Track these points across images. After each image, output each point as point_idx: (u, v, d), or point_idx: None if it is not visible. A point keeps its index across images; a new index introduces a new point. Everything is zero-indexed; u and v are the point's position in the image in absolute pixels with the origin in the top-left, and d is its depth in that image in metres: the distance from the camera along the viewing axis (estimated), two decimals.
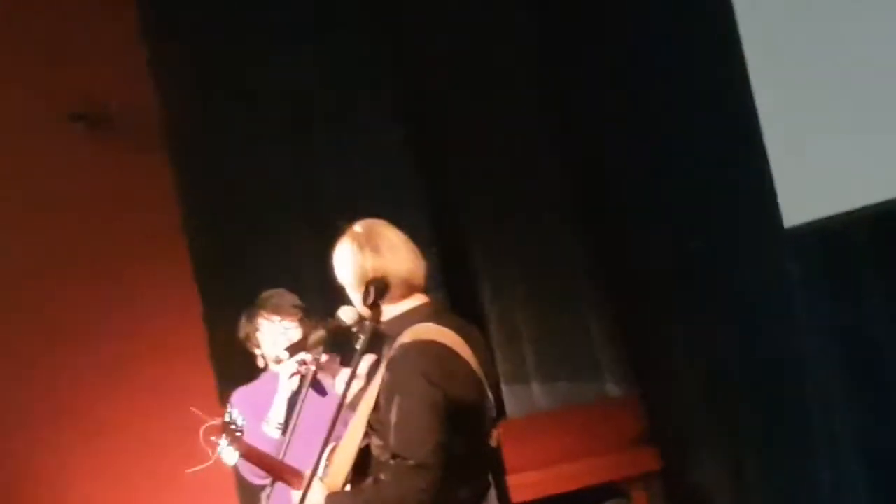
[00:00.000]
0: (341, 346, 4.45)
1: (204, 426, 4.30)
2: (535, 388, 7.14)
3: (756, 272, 6.67)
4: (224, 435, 4.27)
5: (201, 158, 7.17)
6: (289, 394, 4.90)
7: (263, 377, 5.20)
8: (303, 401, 4.49)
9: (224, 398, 6.95)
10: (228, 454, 4.25)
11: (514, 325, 7.17)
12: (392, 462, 3.69)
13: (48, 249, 7.10)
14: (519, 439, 6.44)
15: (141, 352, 7.04)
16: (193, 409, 4.42)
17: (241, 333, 5.18)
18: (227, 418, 4.38)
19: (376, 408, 3.78)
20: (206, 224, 7.16)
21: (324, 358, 4.59)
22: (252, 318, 5.12)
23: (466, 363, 3.82)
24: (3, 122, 7.11)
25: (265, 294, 5.18)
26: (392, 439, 3.69)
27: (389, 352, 3.81)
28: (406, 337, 3.79)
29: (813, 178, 6.05)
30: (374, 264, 3.83)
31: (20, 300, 7.06)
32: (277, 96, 7.17)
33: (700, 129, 6.70)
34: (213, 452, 4.28)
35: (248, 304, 5.27)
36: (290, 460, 4.44)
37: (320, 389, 4.90)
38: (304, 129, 7.18)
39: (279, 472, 4.20)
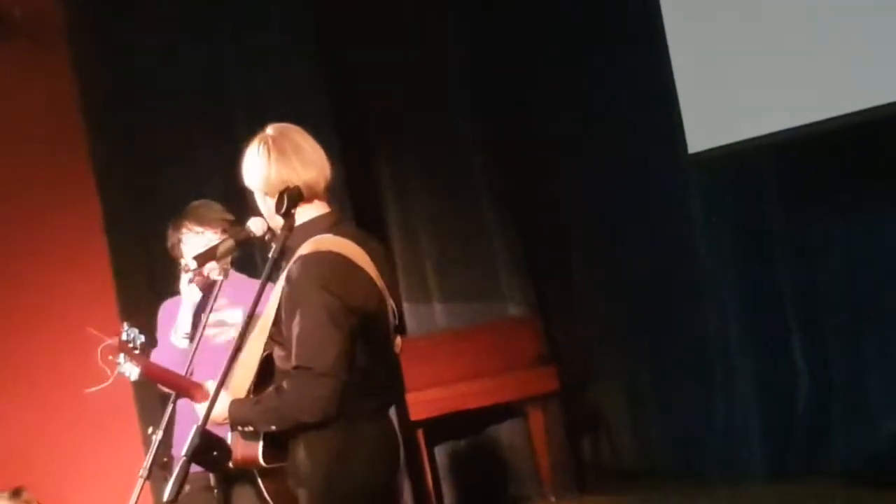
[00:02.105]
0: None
1: (101, 346, 4.25)
2: (437, 307, 7.17)
3: (659, 197, 6.76)
4: (121, 353, 4.22)
5: (104, 65, 7.04)
6: (192, 303, 4.85)
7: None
8: (209, 310, 4.45)
9: (125, 314, 6.92)
10: (130, 370, 4.20)
11: (418, 244, 7.19)
12: (294, 372, 3.69)
13: None
14: (419, 358, 6.47)
15: (43, 268, 6.92)
16: (90, 329, 4.37)
17: (168, 243, 5.11)
18: (123, 337, 4.33)
19: (276, 320, 3.78)
20: (110, 136, 7.05)
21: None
22: (177, 227, 5.03)
23: (366, 273, 3.82)
24: None
25: (193, 204, 5.08)
26: (294, 350, 3.69)
27: (288, 265, 3.80)
28: (305, 248, 3.77)
29: (718, 106, 6.13)
30: (279, 169, 3.81)
31: None
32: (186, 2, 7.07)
33: (611, 58, 6.75)
34: (113, 371, 4.24)
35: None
36: (199, 369, 4.41)
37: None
38: (214, 36, 7.08)
39: (180, 386, 4.16)
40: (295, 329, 3.69)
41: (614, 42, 6.73)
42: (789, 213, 6.24)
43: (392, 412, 4.05)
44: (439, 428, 6.83)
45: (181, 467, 3.43)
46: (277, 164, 3.80)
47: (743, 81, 5.96)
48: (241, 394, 3.82)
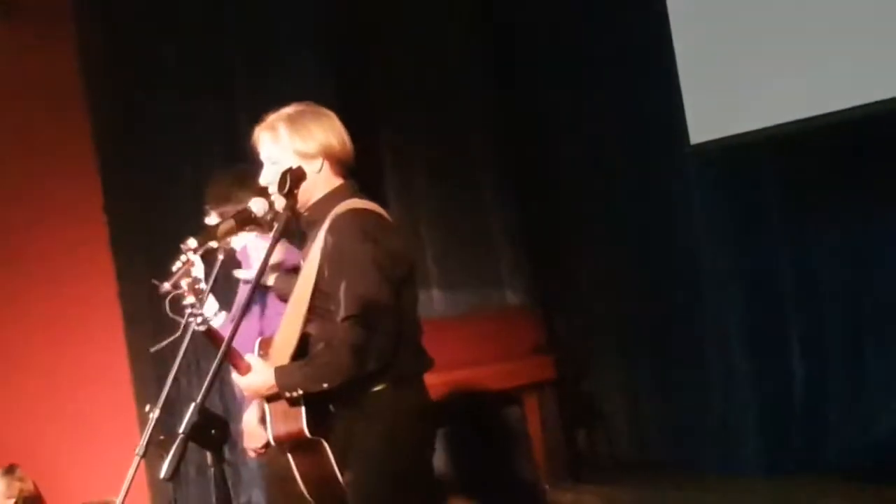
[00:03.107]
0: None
1: (168, 294, 4.18)
2: (436, 294, 7.16)
3: (660, 188, 6.76)
4: (191, 297, 4.14)
5: (109, 44, 7.04)
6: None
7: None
8: (208, 290, 4.42)
9: (124, 288, 6.92)
10: (199, 319, 4.12)
11: (418, 230, 7.18)
12: (345, 324, 3.70)
13: None
14: None
15: (43, 245, 6.92)
16: (154, 282, 4.34)
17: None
18: (189, 281, 4.29)
19: (316, 289, 3.79)
20: (111, 110, 7.05)
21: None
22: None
23: (399, 228, 3.93)
24: None
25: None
26: (343, 302, 3.71)
27: (324, 225, 3.81)
28: (340, 208, 3.82)
29: (720, 98, 6.13)
30: (311, 134, 3.85)
31: None
32: None
33: (614, 45, 6.74)
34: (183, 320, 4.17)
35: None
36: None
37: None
38: (216, 13, 7.08)
39: (230, 352, 4.12)
40: (342, 283, 3.72)
41: (617, 30, 6.72)
42: (790, 207, 6.23)
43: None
44: (437, 412, 6.81)
45: (178, 445, 3.43)
46: (310, 127, 3.86)
47: (746, 73, 5.97)
48: (284, 363, 3.83)
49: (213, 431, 3.60)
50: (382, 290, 3.74)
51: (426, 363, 3.97)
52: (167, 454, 3.51)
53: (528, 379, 6.79)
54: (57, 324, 6.87)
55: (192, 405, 3.48)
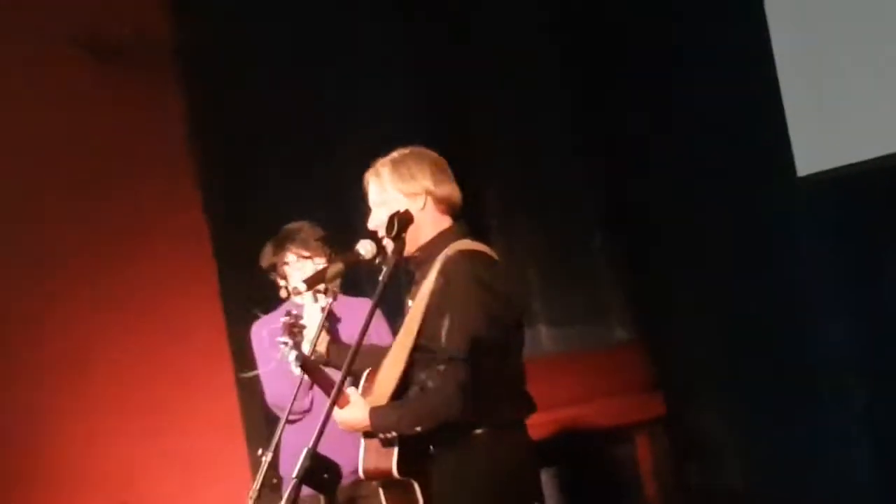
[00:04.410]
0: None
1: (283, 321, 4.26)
2: (543, 330, 7.15)
3: (768, 220, 6.68)
4: (289, 337, 4.21)
5: (214, 92, 7.13)
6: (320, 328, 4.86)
7: (282, 308, 5.17)
8: (318, 335, 4.45)
9: (234, 335, 6.98)
10: (293, 355, 4.17)
11: (523, 267, 7.16)
12: (442, 367, 3.70)
13: (44, 184, 6.96)
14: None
15: (149, 280, 7.00)
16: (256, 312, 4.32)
17: (266, 262, 5.15)
18: (288, 319, 4.35)
19: (422, 329, 3.79)
20: (217, 160, 7.14)
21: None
22: (280, 250, 5.07)
23: (510, 273, 3.93)
24: (9, 48, 6.90)
25: (293, 226, 5.13)
26: (445, 343, 3.72)
27: (435, 265, 3.82)
28: (450, 250, 3.83)
29: (828, 128, 6.05)
30: (427, 179, 3.88)
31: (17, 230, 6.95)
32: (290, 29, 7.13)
33: (716, 75, 6.67)
34: (280, 355, 4.23)
35: (265, 234, 5.24)
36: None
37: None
38: (315, 59, 7.14)
39: (328, 386, 4.14)
40: (446, 322, 3.72)
41: (721, 61, 6.66)
42: None
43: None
44: (545, 451, 6.77)
45: (292, 489, 3.45)
46: (412, 167, 3.88)
47: (856, 102, 5.88)
48: (383, 402, 3.84)
49: (325, 475, 3.61)
50: (488, 333, 3.73)
51: (528, 409, 3.95)
52: (280, 498, 3.54)
53: (638, 416, 6.75)
54: (170, 368, 6.93)
55: (305, 449, 3.50)
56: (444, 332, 3.74)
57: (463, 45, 7.21)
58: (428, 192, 3.90)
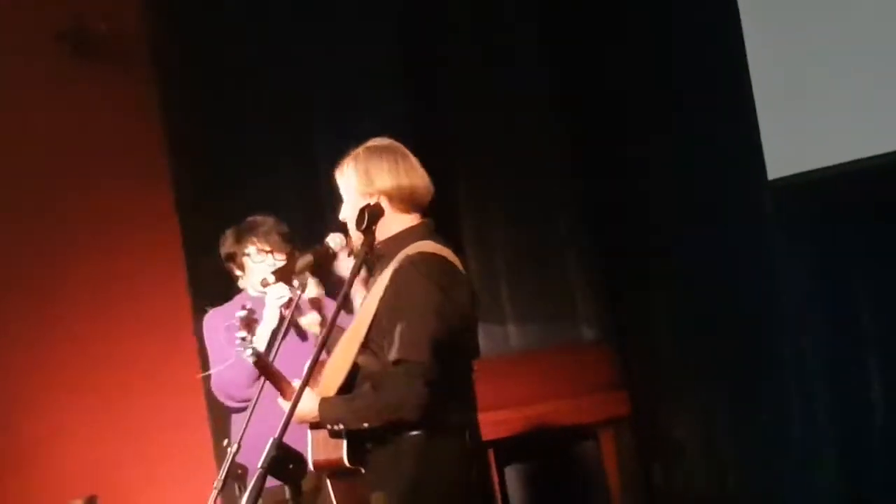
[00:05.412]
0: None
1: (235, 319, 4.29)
2: (510, 328, 7.15)
3: (738, 223, 6.71)
4: (245, 330, 4.24)
5: (188, 85, 7.12)
6: (276, 322, 4.86)
7: (236, 300, 5.15)
8: (285, 328, 4.45)
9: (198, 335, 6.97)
10: (250, 350, 4.20)
11: (493, 264, 7.17)
12: (394, 368, 3.71)
13: (16, 176, 6.98)
14: (491, 378, 6.35)
15: (121, 272, 6.99)
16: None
17: (225, 250, 5.12)
18: (243, 314, 4.37)
19: (374, 324, 3.81)
20: (190, 153, 7.13)
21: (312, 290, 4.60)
22: (242, 241, 5.05)
23: (467, 278, 3.92)
24: None
25: (258, 219, 5.09)
26: (396, 345, 3.73)
27: (393, 263, 3.83)
28: (412, 249, 3.84)
29: (799, 132, 6.09)
30: (390, 173, 3.88)
31: None
32: (264, 23, 7.14)
33: (689, 79, 6.71)
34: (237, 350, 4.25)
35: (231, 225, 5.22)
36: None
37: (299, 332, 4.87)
38: (294, 54, 7.15)
39: (279, 380, 4.17)
40: (400, 324, 3.73)
41: (694, 66, 6.69)
42: (871, 242, 6.17)
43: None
44: (510, 449, 6.80)
45: (257, 479, 3.45)
46: (372, 164, 3.87)
47: (827, 107, 5.91)
48: (330, 394, 3.85)
49: (290, 466, 3.63)
50: (438, 338, 3.73)
51: (471, 417, 3.97)
52: (245, 488, 3.54)
53: (603, 414, 6.75)
54: (137, 362, 6.92)
55: (271, 440, 3.51)
56: (396, 333, 3.75)
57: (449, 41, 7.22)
58: (382, 193, 3.90)
